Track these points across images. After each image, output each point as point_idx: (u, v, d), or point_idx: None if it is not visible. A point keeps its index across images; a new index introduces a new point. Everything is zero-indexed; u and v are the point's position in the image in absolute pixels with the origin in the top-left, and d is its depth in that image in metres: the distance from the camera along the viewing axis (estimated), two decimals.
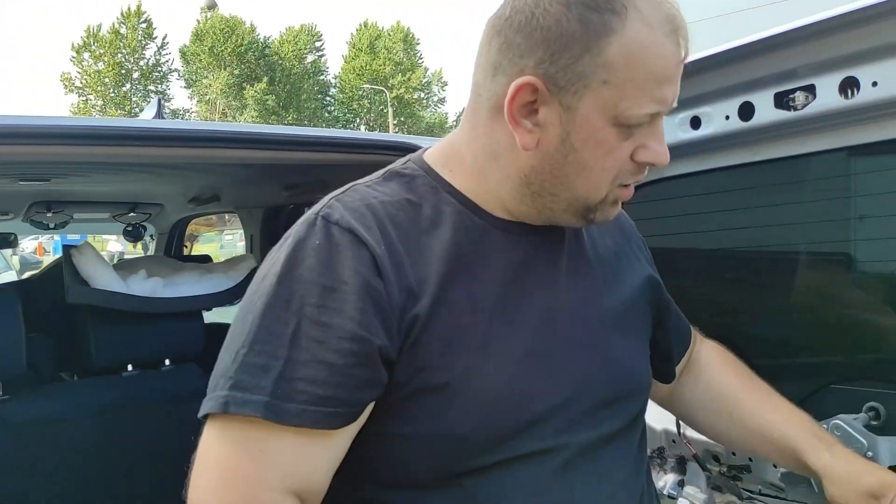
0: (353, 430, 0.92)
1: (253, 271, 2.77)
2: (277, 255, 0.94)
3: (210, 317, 2.87)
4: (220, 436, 0.88)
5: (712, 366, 1.35)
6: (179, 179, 3.28)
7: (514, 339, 0.96)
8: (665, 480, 1.87)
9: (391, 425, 0.93)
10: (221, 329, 3.38)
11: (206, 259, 3.19)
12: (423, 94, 57.91)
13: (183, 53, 53.41)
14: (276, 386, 0.86)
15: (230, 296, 2.63)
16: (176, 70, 54.02)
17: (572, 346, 1.01)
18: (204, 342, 2.55)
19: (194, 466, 0.89)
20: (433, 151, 1.08)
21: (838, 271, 1.63)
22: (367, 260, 0.90)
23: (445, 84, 59.30)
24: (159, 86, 52.63)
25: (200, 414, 0.90)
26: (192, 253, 4.74)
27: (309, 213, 0.97)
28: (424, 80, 57.10)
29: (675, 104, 0.95)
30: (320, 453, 0.90)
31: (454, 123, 57.01)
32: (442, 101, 63.54)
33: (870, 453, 1.45)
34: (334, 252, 0.90)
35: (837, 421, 1.48)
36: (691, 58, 1.51)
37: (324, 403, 0.86)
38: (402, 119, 55.07)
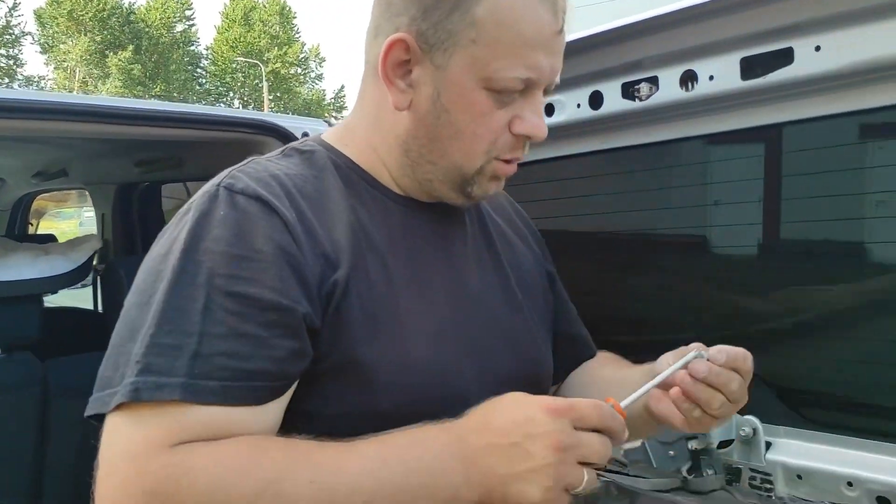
0: (282, 404, 0.86)
1: (96, 252, 2.61)
2: (177, 232, 0.87)
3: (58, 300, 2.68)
4: (131, 429, 0.78)
5: (596, 362, 1.27)
6: (21, 153, 3.04)
7: (428, 317, 0.95)
8: None
9: (312, 405, 0.88)
10: (66, 314, 3.20)
11: (48, 239, 2.97)
12: (300, 70, 56.55)
13: (38, 16, 49.66)
14: (193, 365, 0.78)
15: (68, 279, 2.45)
16: (30, 33, 50.22)
17: (483, 329, 1.01)
18: (40, 329, 2.37)
19: (100, 470, 0.77)
20: (331, 130, 1.06)
21: (689, 254, 1.71)
22: (280, 226, 0.86)
23: (323, 60, 58.05)
24: (11, 50, 48.76)
25: (102, 410, 0.80)
26: (47, 231, 4.42)
27: (208, 186, 0.91)
28: (301, 56, 55.77)
29: (557, 80, 0.95)
30: (249, 432, 0.81)
31: (332, 101, 56.20)
32: (320, 77, 62.28)
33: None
34: (243, 221, 0.85)
35: None
36: None
37: (249, 377, 0.80)
38: (279, 94, 53.60)
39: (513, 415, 0.80)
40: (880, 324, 1.46)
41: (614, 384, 1.08)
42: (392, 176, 1.00)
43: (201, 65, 56.00)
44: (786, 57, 1.28)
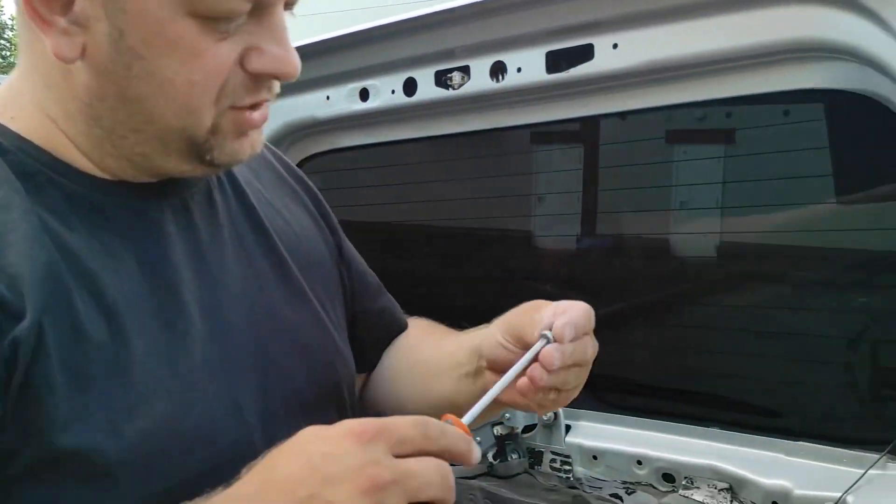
0: None
1: None
2: None
3: None
4: None
5: (413, 336, 1.09)
6: None
7: (175, 354, 0.70)
8: None
9: None
10: None
11: None
12: None
13: None
14: None
15: None
16: None
17: (257, 344, 0.78)
18: None
19: None
20: None
21: (501, 244, 1.75)
22: None
23: None
24: None
25: None
26: None
27: None
28: None
29: None
30: None
31: None
32: None
33: (507, 415, 1.58)
34: None
35: None
36: (357, 27, 1.53)
37: None
38: None
39: (303, 457, 0.58)
40: (671, 312, 1.56)
41: (442, 372, 0.93)
42: (87, 156, 0.71)
43: None
44: (586, 53, 1.33)
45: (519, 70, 1.40)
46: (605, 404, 1.57)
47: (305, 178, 1.01)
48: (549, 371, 0.75)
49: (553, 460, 1.59)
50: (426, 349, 1.01)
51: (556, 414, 1.57)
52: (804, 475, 1.28)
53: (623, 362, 1.54)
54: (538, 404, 0.80)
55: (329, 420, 0.64)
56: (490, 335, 0.85)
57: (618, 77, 1.32)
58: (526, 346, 0.78)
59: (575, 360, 0.76)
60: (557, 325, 0.76)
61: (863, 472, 1.18)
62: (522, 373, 0.76)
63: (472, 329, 0.92)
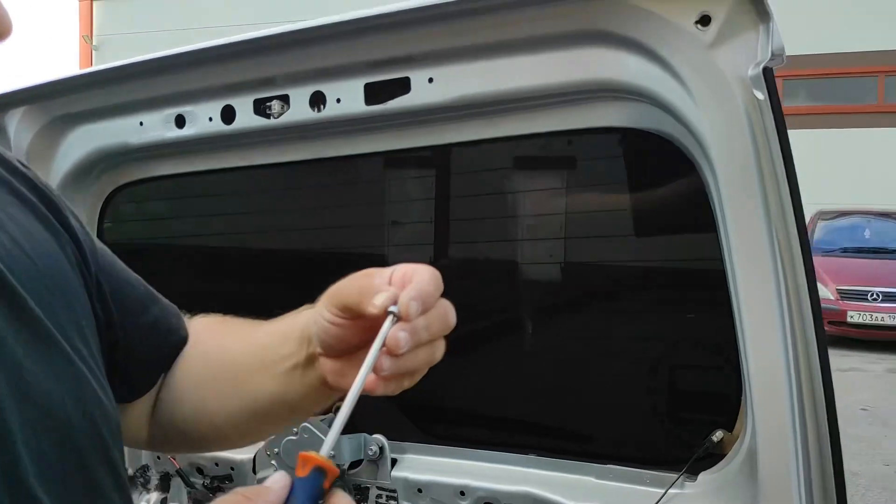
0: None
1: None
2: None
3: None
4: None
5: (206, 339, 0.93)
6: None
7: None
8: (148, 500, 1.76)
9: None
10: None
11: None
12: None
13: None
14: None
15: None
16: None
17: None
18: None
19: None
20: None
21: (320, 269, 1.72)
22: None
23: None
24: None
25: None
26: None
27: None
28: None
29: None
30: None
31: None
32: None
33: (332, 452, 1.54)
34: None
35: (306, 424, 1.55)
36: (173, 51, 1.47)
37: None
38: None
39: None
40: (491, 341, 1.58)
41: (261, 369, 0.81)
42: None
43: None
44: (404, 86, 1.34)
45: (338, 101, 1.39)
46: (431, 436, 1.57)
47: (35, 176, 0.80)
48: (396, 357, 0.65)
49: (379, 496, 1.56)
50: (232, 348, 0.88)
51: (381, 447, 1.55)
52: (614, 497, 1.33)
53: (446, 393, 1.55)
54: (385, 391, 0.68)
55: (103, 483, 0.58)
56: (316, 314, 0.74)
57: (433, 111, 1.34)
58: (358, 316, 0.69)
59: (431, 335, 0.68)
60: (402, 300, 0.65)
61: (663, 491, 1.24)
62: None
63: (289, 314, 0.81)
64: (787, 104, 14.64)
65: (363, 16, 1.25)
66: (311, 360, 0.77)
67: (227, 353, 0.89)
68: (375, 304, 0.65)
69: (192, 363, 0.91)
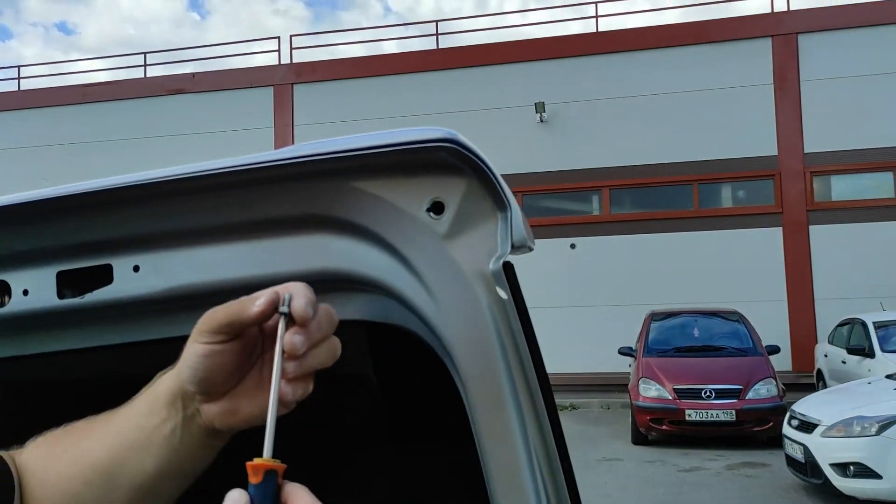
0: None
1: None
2: None
3: None
4: None
5: (49, 462, 0.82)
6: None
7: None
8: None
9: None
10: None
11: None
12: None
13: None
14: None
15: None
16: None
17: None
18: None
19: None
20: None
21: None
22: None
23: None
24: None
25: None
26: None
27: None
28: None
29: None
30: None
31: None
32: None
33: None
34: None
35: None
36: None
37: None
38: None
39: None
40: None
41: (131, 457, 0.76)
42: None
43: None
44: (106, 275, 1.11)
45: (26, 293, 1.14)
46: None
47: None
48: (297, 358, 0.69)
49: None
50: (92, 448, 0.79)
51: None
52: None
53: None
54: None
55: None
56: (182, 362, 0.74)
57: (140, 303, 1.10)
58: (237, 334, 0.72)
59: (322, 335, 0.72)
60: (296, 306, 0.69)
61: None
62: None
63: (141, 391, 0.79)
64: (613, 211, 15.63)
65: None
66: (190, 416, 0.76)
67: (88, 458, 0.79)
68: (258, 303, 0.70)
69: (50, 489, 0.79)
